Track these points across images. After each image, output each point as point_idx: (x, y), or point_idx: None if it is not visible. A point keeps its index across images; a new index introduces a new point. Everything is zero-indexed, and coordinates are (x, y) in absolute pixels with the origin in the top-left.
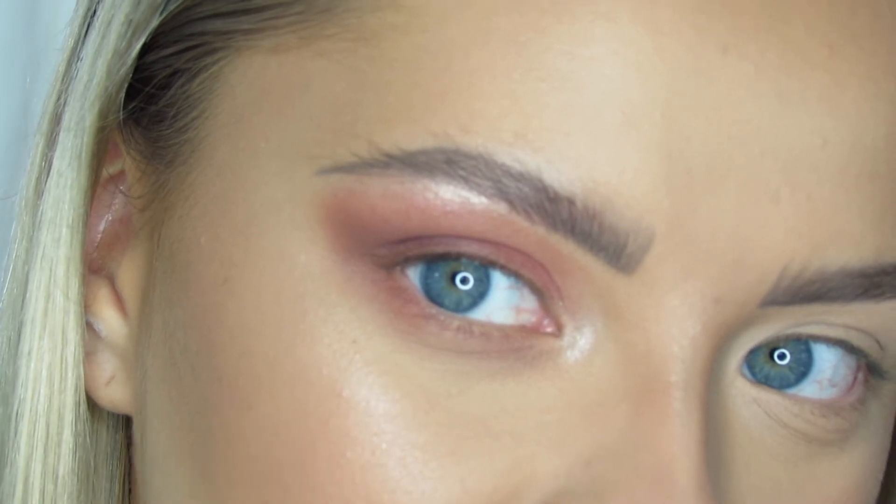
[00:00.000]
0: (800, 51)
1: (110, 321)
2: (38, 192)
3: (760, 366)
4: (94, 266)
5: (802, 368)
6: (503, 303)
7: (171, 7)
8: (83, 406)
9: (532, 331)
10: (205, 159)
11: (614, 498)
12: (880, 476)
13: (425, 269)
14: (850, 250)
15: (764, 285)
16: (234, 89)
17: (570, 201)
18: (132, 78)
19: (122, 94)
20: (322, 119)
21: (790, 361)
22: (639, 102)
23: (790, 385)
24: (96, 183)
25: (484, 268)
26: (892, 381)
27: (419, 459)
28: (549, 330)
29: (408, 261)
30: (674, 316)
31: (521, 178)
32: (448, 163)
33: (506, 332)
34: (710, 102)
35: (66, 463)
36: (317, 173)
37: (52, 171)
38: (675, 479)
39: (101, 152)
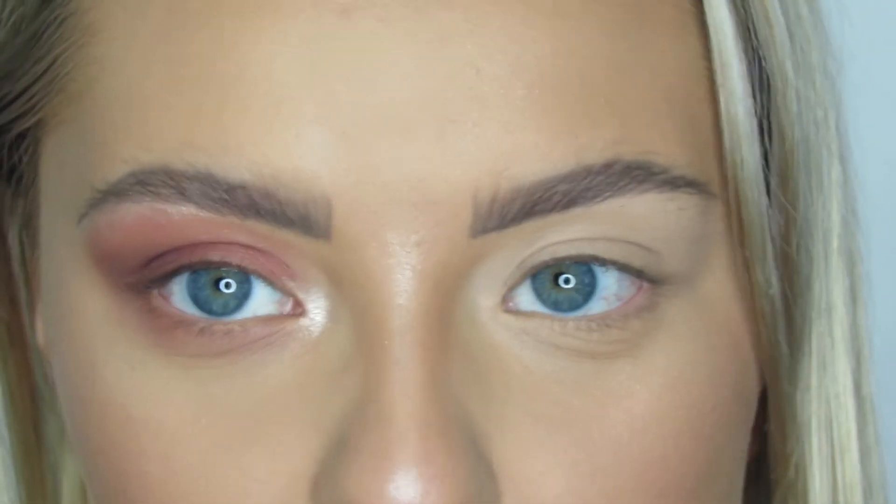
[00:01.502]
0: None
1: None
2: None
3: (548, 292)
4: None
5: (588, 289)
6: (267, 298)
7: None
8: None
9: (277, 317)
10: (39, 229)
11: (347, 457)
12: (720, 378)
13: (191, 282)
14: (539, 162)
15: (462, 217)
16: (42, 165)
17: (243, 187)
18: None
19: None
20: (71, 178)
21: (575, 284)
22: (284, 83)
23: (579, 306)
24: None
25: (243, 271)
26: (683, 283)
27: (205, 462)
28: (294, 311)
29: (162, 280)
30: (379, 267)
31: (195, 178)
32: (140, 183)
33: (246, 326)
34: (345, 66)
35: None
36: (76, 224)
37: None
38: (393, 422)
39: None
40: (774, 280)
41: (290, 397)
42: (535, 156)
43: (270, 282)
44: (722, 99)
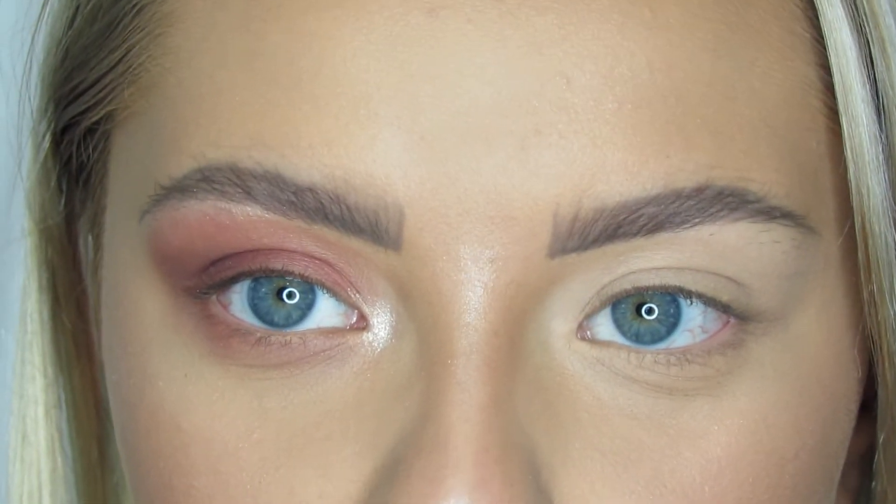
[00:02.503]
0: None
1: None
2: None
3: (629, 323)
4: None
5: (672, 320)
6: (331, 310)
7: (51, 108)
8: None
9: (339, 330)
10: (103, 229)
11: (399, 480)
12: (805, 424)
13: (252, 291)
14: (626, 182)
15: (541, 235)
16: (111, 161)
17: (312, 190)
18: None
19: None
20: (138, 173)
21: (659, 314)
22: (362, 82)
23: (662, 338)
24: None
25: (307, 281)
26: (772, 321)
27: (253, 479)
28: (357, 325)
29: (221, 286)
30: (450, 283)
31: (262, 177)
32: (205, 180)
33: (305, 338)
34: (429, 66)
35: None
36: (139, 222)
37: None
38: (449, 446)
39: None
40: None
41: (348, 416)
42: (623, 175)
43: (335, 293)
44: (845, 125)
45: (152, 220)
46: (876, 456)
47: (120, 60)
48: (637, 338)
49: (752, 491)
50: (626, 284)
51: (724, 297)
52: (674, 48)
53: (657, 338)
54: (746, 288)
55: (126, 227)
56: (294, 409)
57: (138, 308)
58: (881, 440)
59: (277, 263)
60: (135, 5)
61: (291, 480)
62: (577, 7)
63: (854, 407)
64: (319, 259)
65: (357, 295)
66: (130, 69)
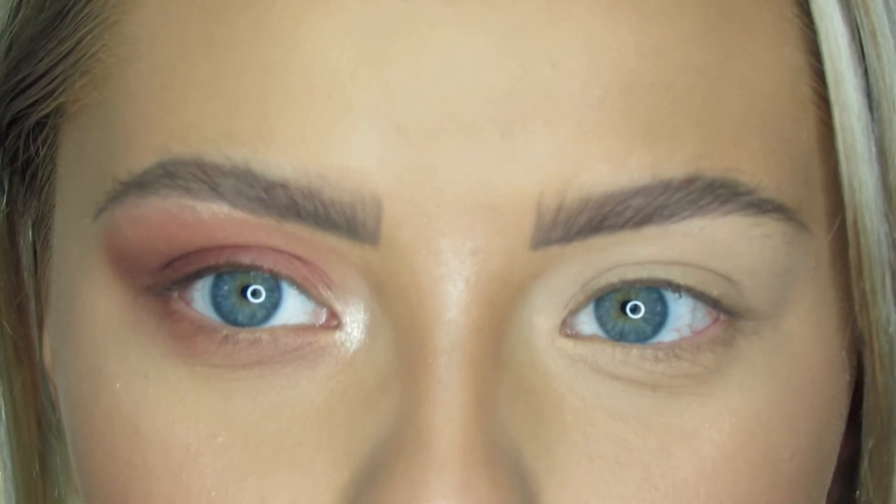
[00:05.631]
0: None
1: None
2: None
3: (613, 321)
4: None
5: (658, 318)
6: (298, 309)
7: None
8: None
9: (310, 328)
10: (52, 230)
11: (380, 484)
12: (800, 424)
13: (214, 289)
14: (613, 171)
15: (524, 226)
16: (60, 156)
17: (284, 185)
18: None
19: None
20: (91, 169)
21: (645, 313)
22: (336, 71)
23: (648, 337)
24: None
25: (275, 277)
26: (762, 320)
27: (218, 486)
28: (328, 324)
29: (183, 282)
30: (429, 278)
31: (231, 173)
32: (168, 175)
33: (276, 335)
34: (405, 53)
35: None
36: (93, 220)
37: None
38: (432, 447)
39: None
40: (894, 316)
41: (320, 422)
42: (609, 164)
43: (304, 289)
44: (836, 115)
45: (109, 217)
46: (861, 464)
47: (71, 50)
48: (621, 336)
49: (749, 493)
50: (612, 278)
51: (714, 292)
52: (663, 33)
53: (642, 337)
54: (737, 285)
55: (79, 225)
56: (263, 413)
57: (93, 309)
58: (868, 447)
59: (246, 258)
60: None
61: (261, 489)
62: None
63: (845, 411)
64: (289, 254)
65: (328, 292)
66: (83, 59)
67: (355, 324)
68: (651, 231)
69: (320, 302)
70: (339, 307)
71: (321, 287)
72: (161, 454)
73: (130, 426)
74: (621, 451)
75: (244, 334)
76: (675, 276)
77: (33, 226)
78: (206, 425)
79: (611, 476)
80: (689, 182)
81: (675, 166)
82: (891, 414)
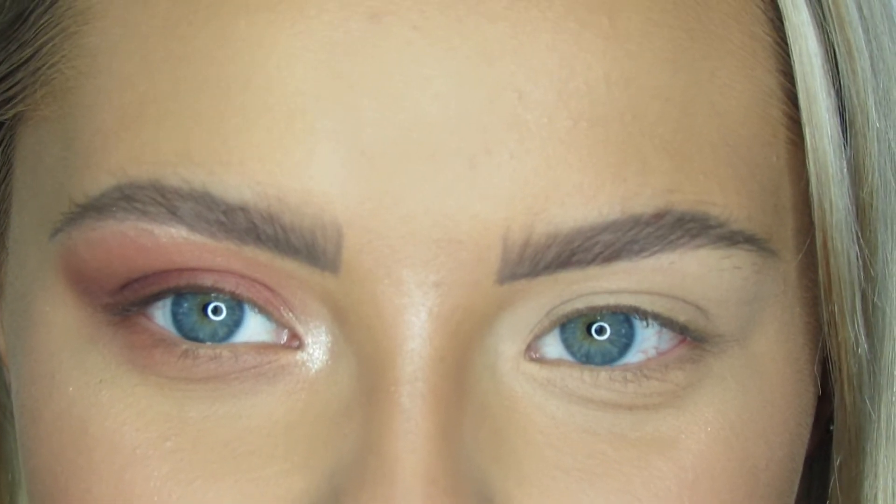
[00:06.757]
0: (470, 6)
1: None
2: None
3: (579, 343)
4: None
5: (625, 340)
6: (260, 328)
7: None
8: None
9: (271, 346)
10: (8, 229)
11: None
12: (773, 436)
13: (175, 307)
14: (582, 206)
15: (489, 260)
16: (17, 163)
17: (243, 209)
18: None
19: None
20: (49, 185)
21: (610, 335)
22: (298, 93)
23: (614, 359)
24: None
25: (236, 299)
26: (730, 342)
27: (161, 490)
28: (291, 343)
29: (142, 303)
30: (391, 307)
31: (189, 196)
32: (125, 198)
33: (237, 352)
34: (371, 76)
35: None
36: (49, 238)
37: None
38: (396, 479)
39: None
40: (863, 338)
41: (277, 434)
42: (578, 198)
43: (267, 311)
44: (808, 136)
45: (66, 238)
46: (831, 478)
47: (31, 58)
48: (587, 358)
49: (730, 500)
50: (579, 304)
51: (682, 318)
52: (632, 60)
53: (608, 359)
54: (705, 312)
55: (35, 239)
56: (217, 421)
57: (48, 320)
58: (837, 463)
59: (208, 280)
60: None
61: (206, 494)
62: (531, 15)
63: (811, 422)
64: (250, 278)
65: (290, 314)
66: (43, 69)
67: (317, 345)
68: (620, 267)
69: (282, 323)
70: (300, 329)
71: (283, 309)
72: (107, 454)
73: (80, 428)
74: (597, 463)
75: (205, 350)
76: (643, 303)
77: None
78: (156, 429)
79: (589, 487)
80: (658, 217)
81: (644, 201)
82: (859, 432)
